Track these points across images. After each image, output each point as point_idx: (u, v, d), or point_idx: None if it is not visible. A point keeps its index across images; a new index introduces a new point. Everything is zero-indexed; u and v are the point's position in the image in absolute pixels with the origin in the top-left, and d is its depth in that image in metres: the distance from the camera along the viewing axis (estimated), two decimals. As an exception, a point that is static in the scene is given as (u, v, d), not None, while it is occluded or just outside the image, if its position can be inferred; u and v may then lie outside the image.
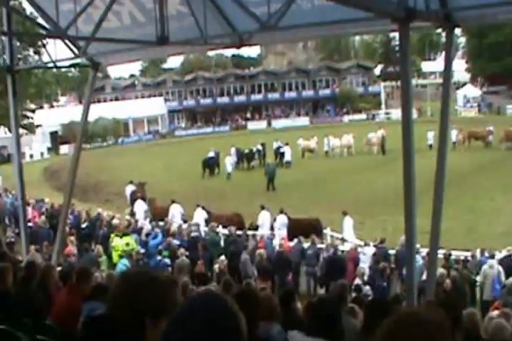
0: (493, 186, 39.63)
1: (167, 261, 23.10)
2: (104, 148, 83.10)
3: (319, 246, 24.15)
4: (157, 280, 3.27)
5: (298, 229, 26.97)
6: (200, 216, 30.39)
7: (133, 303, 3.09)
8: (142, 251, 24.06)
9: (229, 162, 51.19)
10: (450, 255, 21.43)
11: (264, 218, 29.26)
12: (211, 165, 52.97)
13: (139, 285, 3.19)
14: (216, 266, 22.28)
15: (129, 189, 39.53)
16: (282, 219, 28.45)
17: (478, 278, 20.28)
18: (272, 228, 28.36)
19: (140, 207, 34.71)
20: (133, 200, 36.57)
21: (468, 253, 22.28)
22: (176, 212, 31.82)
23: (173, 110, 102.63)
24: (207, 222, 29.50)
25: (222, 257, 23.84)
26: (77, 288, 9.81)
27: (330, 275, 21.55)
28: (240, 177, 50.33)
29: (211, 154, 54.40)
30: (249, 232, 27.25)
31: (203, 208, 31.14)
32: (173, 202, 32.56)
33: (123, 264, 22.26)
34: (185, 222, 30.10)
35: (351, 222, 28.23)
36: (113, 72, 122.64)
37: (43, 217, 29.81)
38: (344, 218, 28.24)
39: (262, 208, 29.77)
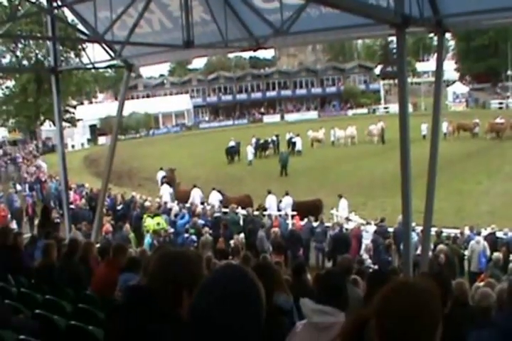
0: (479, 171, 39.52)
1: (194, 237, 23.19)
2: (137, 139, 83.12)
3: (327, 224, 24.16)
4: (189, 256, 3.30)
5: (302, 209, 27.18)
6: (215, 198, 30.57)
7: (172, 277, 3.10)
8: (171, 230, 24.14)
9: (250, 151, 51.50)
10: (441, 232, 21.39)
11: (270, 201, 29.43)
12: (232, 153, 53.48)
13: (176, 260, 3.21)
14: (232, 242, 22.31)
15: (160, 174, 39.72)
16: (287, 200, 28.65)
17: (467, 253, 20.26)
18: (278, 209, 28.46)
19: (166, 190, 34.92)
20: (163, 184, 36.63)
21: (457, 231, 22.24)
22: (196, 196, 31.92)
23: (198, 105, 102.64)
24: (221, 203, 29.72)
25: (241, 235, 23.90)
26: (113, 262, 9.87)
27: (336, 250, 21.58)
28: (257, 164, 50.32)
29: (232, 143, 54.55)
30: (265, 212, 27.30)
31: (219, 191, 31.30)
32: (194, 186, 32.66)
33: (147, 240, 22.69)
34: (202, 203, 30.10)
35: (346, 204, 28.35)
36: (145, 72, 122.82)
37: (83, 200, 30.00)
38: (340, 200, 28.33)
39: (269, 192, 29.96)
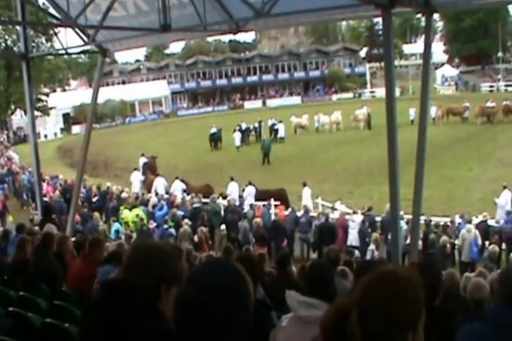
0: (469, 157, 39.70)
1: (172, 230, 23.12)
2: (113, 127, 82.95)
3: (311, 214, 24.21)
4: (168, 249, 3.31)
5: (266, 198, 27.13)
6: (178, 187, 30.84)
7: (150, 270, 3.11)
8: (154, 224, 24.05)
9: (237, 136, 51.98)
10: (431, 221, 21.49)
11: (232, 188, 29.82)
12: (216, 139, 53.85)
13: (154, 254, 3.22)
14: (196, 236, 22.26)
15: (142, 161, 39.94)
16: (250, 189, 28.82)
17: (457, 242, 20.36)
18: (240, 197, 28.71)
19: (136, 178, 35.33)
20: (145, 171, 37.13)
21: (448, 219, 22.34)
22: (159, 185, 32.27)
23: (176, 92, 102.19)
24: (185, 192, 30.08)
25: (223, 226, 23.99)
26: (90, 257, 9.82)
27: (322, 241, 21.65)
28: (238, 152, 50.31)
29: (213, 130, 54.65)
30: (248, 202, 27.33)
31: (182, 180, 31.59)
32: (157, 175, 33.04)
33: (115, 229, 23.09)
34: (167, 193, 30.38)
35: (309, 192, 28.55)
36: (120, 57, 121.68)
37: (57, 192, 29.84)
38: (303, 188, 28.56)
39: (231, 179, 30.44)
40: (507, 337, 3.83)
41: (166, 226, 23.45)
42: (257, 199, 27.73)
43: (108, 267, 8.77)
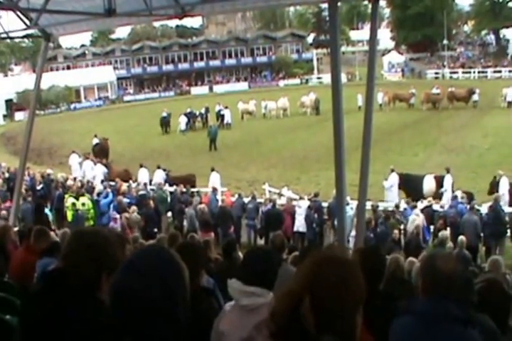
0: (415, 143, 40.24)
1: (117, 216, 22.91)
2: (57, 114, 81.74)
3: (259, 200, 24.23)
4: (108, 237, 3.25)
5: (175, 183, 27.72)
6: (159, 176, 30.50)
7: (90, 259, 3.06)
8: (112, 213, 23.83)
9: (183, 120, 52.74)
10: (378, 206, 21.70)
11: (142, 174, 30.53)
12: (166, 123, 54.30)
13: (94, 242, 3.16)
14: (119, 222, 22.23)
15: (94, 141, 40.72)
16: (159, 174, 29.81)
17: (408, 227, 20.52)
18: (150, 183, 29.18)
19: (74, 160, 35.58)
20: (96, 152, 38.23)
21: (393, 204, 22.62)
22: (98, 172, 32.48)
23: (122, 77, 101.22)
24: (166, 182, 29.69)
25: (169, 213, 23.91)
26: (33, 247, 9.65)
27: (269, 227, 21.69)
28: (185, 138, 50.18)
29: (164, 114, 54.83)
30: (194, 189, 27.30)
31: (164, 170, 31.21)
32: (141, 166, 32.51)
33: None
34: (106, 180, 30.45)
35: (218, 177, 29.05)
36: (65, 42, 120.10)
37: (0, 180, 29.32)
38: (211, 173, 29.02)
39: (141, 166, 31.15)
40: (436, 331, 3.88)
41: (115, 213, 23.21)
42: (169, 185, 28.25)
43: (48, 259, 8.62)
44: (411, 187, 26.39)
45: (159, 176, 30.01)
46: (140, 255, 2.72)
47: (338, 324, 2.45)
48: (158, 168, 30.77)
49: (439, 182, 25.58)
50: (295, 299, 2.50)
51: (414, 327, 4.02)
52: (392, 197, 25.56)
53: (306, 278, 2.51)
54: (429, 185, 26.14)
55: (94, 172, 31.85)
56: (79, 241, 3.24)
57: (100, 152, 39.42)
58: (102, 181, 29.31)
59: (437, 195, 25.11)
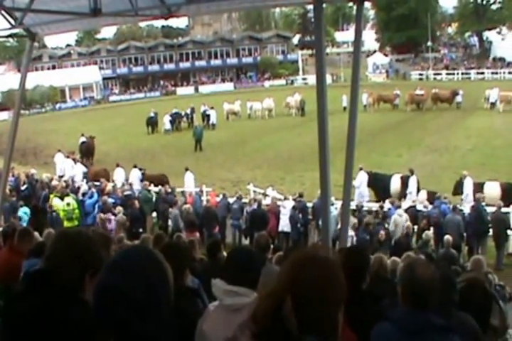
0: (399, 144, 40.37)
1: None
2: (42, 114, 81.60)
3: (243, 200, 24.22)
4: (92, 237, 3.25)
5: (149, 182, 28.03)
6: (135, 176, 30.49)
7: (73, 259, 3.05)
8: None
9: (167, 119, 52.98)
10: (362, 206, 21.75)
11: (118, 174, 30.89)
12: (153, 123, 54.42)
13: (77, 241, 3.16)
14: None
15: (81, 140, 40.96)
16: (135, 173, 29.87)
17: (390, 227, 20.61)
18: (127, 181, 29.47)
19: (59, 159, 35.51)
20: (82, 151, 39.68)
21: (377, 204, 22.69)
22: (78, 171, 32.65)
23: (107, 77, 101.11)
24: (142, 181, 29.60)
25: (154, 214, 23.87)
26: (18, 247, 9.60)
27: (253, 227, 21.70)
28: (171, 139, 50.11)
29: (151, 114, 55.01)
30: (179, 189, 27.29)
31: (140, 169, 31.18)
32: (117, 165, 32.53)
33: (23, 212, 22.34)
34: (86, 179, 30.71)
35: (192, 177, 29.39)
36: (50, 41, 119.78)
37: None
38: (185, 173, 29.30)
39: (117, 165, 31.46)
40: None
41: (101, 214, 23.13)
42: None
43: (34, 260, 8.58)
44: (379, 186, 26.80)
45: (135, 175, 30.14)
46: (124, 255, 2.71)
47: (320, 324, 2.45)
48: (135, 167, 30.87)
49: (405, 182, 25.73)
50: (277, 299, 2.49)
51: (395, 336, 4.04)
52: (361, 195, 25.70)
53: (287, 279, 2.51)
54: (395, 184, 26.48)
55: (74, 171, 31.94)
56: (62, 242, 3.24)
57: (86, 150, 40.24)
58: (87, 181, 29.20)
59: (403, 195, 25.32)
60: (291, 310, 2.44)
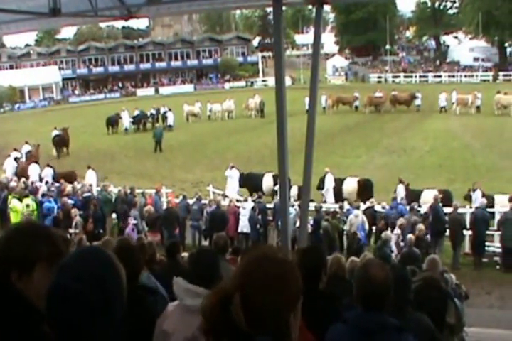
0: (358, 145, 40.68)
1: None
2: (1, 114, 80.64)
3: (203, 201, 24.16)
4: (24, 233, 2.99)
5: (60, 178, 28.85)
6: (48, 174, 31.20)
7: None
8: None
9: (126, 118, 53.58)
10: (321, 207, 21.86)
11: (32, 171, 31.52)
12: (113, 123, 54.40)
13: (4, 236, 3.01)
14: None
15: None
16: (47, 171, 30.92)
17: (346, 227, 20.79)
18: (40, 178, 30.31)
19: (10, 165, 35.08)
20: (56, 143, 41.17)
21: (337, 205, 22.81)
22: (47, 174, 32.07)
23: (67, 78, 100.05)
24: (54, 179, 30.33)
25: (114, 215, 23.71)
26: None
27: (213, 228, 21.65)
28: (131, 140, 49.83)
29: (112, 114, 55.11)
30: (139, 190, 27.14)
31: (52, 166, 32.10)
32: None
33: None
34: (40, 180, 30.34)
35: (94, 175, 30.01)
36: (9, 41, 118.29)
37: None
38: (87, 171, 30.09)
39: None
40: None
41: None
42: (55, 180, 29.10)
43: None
44: (252, 184, 27.82)
45: (48, 173, 30.88)
46: (76, 256, 2.70)
47: (270, 322, 2.44)
48: (48, 165, 31.75)
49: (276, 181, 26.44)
50: (225, 295, 2.50)
51: (350, 337, 4.06)
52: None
53: (237, 276, 2.52)
54: (267, 182, 27.41)
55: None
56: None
57: (61, 142, 42.36)
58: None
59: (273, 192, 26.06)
60: (239, 307, 2.44)
